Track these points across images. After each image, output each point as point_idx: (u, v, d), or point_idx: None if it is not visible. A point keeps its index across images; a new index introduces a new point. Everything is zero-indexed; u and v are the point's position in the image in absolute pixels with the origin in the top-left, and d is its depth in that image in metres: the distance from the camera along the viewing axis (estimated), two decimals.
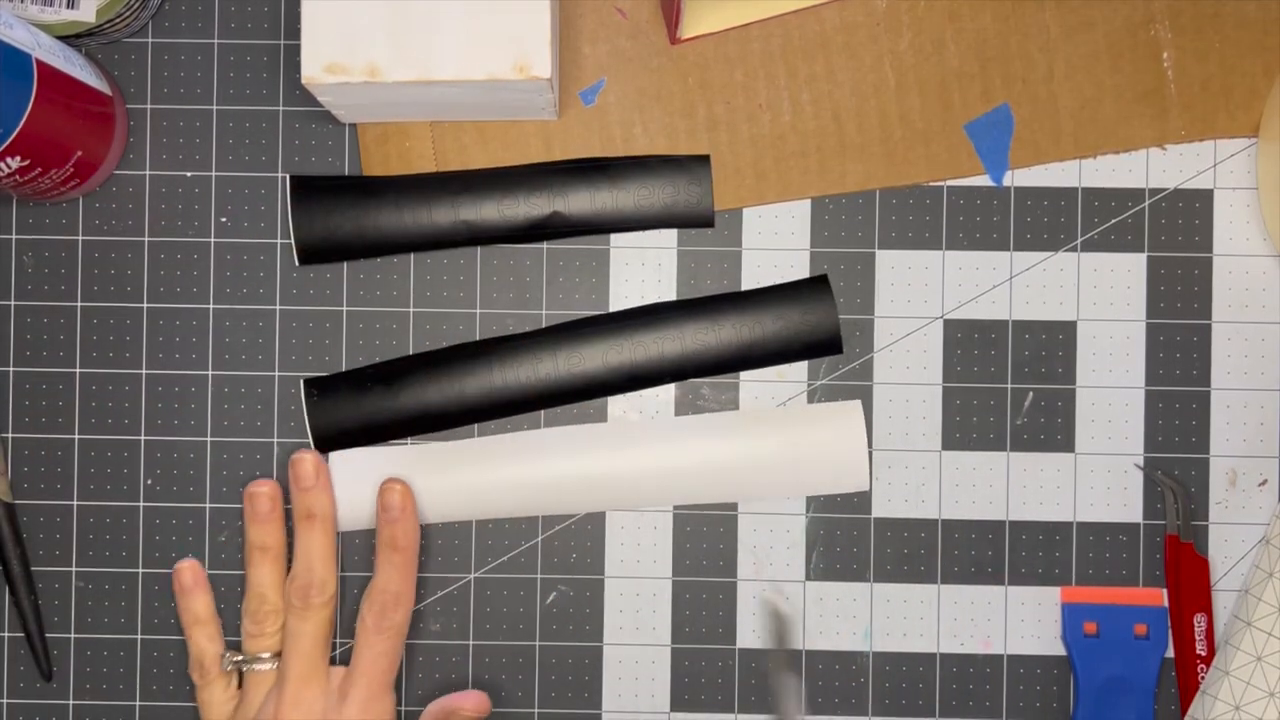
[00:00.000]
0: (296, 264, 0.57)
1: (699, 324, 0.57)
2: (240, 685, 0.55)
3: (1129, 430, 0.57)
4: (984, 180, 0.57)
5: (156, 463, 0.57)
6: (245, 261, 0.57)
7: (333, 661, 0.56)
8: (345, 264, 0.57)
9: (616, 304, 0.57)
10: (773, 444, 0.56)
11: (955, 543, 0.57)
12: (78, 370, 0.57)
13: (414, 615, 0.57)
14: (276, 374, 0.57)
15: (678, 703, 0.57)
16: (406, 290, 0.57)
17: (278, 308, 0.57)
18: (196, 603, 0.56)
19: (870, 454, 0.57)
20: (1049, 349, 0.57)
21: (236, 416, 0.57)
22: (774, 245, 0.57)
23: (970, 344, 0.57)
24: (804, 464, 0.56)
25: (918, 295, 0.57)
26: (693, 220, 0.57)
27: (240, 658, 0.55)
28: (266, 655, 0.54)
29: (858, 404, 0.57)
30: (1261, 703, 0.55)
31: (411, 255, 0.57)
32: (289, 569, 0.55)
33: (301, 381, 0.57)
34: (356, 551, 0.57)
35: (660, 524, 0.57)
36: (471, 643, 0.57)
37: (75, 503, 0.57)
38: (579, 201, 0.56)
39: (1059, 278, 0.57)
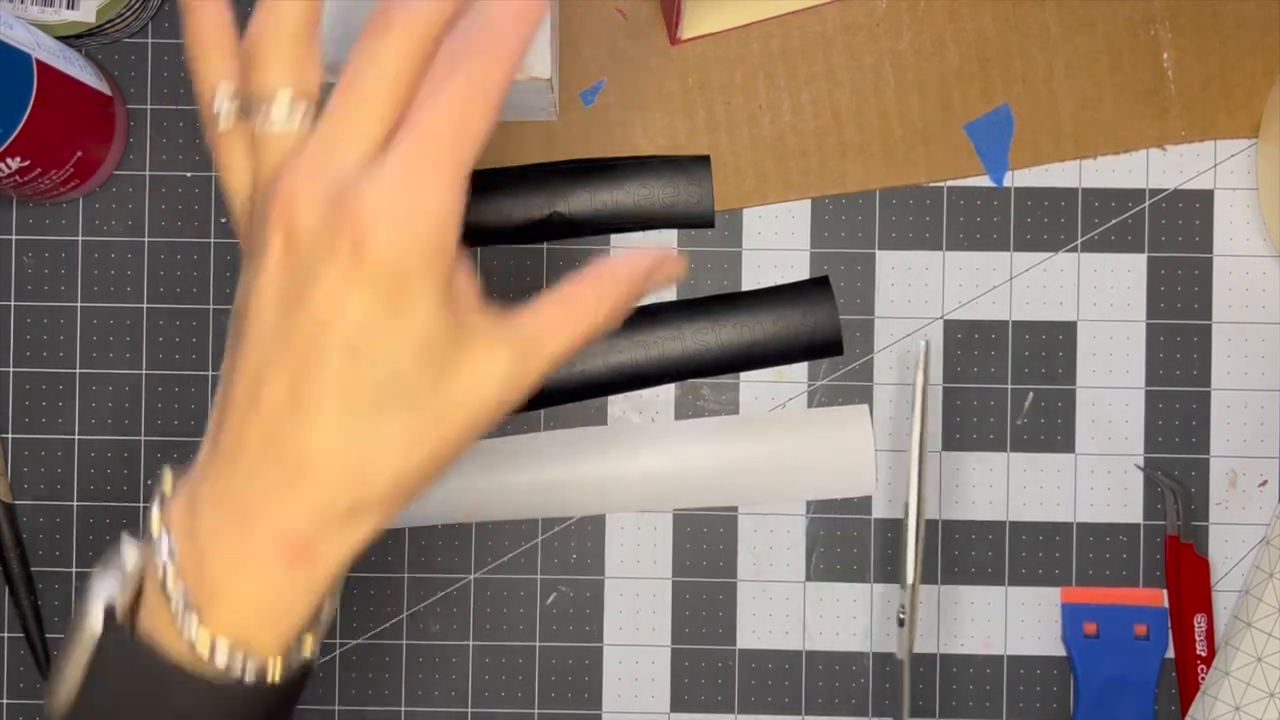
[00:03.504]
0: None
1: (699, 324, 0.57)
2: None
3: (1129, 431, 0.57)
4: (984, 180, 0.57)
5: (157, 463, 0.57)
6: None
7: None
8: None
9: None
10: (778, 448, 0.56)
11: (955, 543, 0.57)
12: (77, 370, 0.57)
13: (412, 617, 0.57)
14: None
15: (678, 703, 0.57)
16: None
17: None
18: (202, 18, 0.36)
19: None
20: (1049, 349, 0.57)
21: None
22: (774, 245, 0.57)
23: (970, 345, 0.57)
24: (810, 469, 0.56)
25: (918, 296, 0.57)
26: (693, 220, 0.57)
27: (234, 98, 0.36)
28: (284, 95, 0.35)
29: (864, 408, 0.57)
30: (1261, 703, 0.55)
31: None
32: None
33: None
34: None
35: (660, 525, 0.57)
36: (471, 643, 0.57)
37: (75, 503, 0.57)
38: (579, 201, 0.56)
39: (1059, 278, 0.57)
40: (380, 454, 0.33)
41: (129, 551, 0.34)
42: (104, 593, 0.33)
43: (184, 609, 0.32)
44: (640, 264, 0.36)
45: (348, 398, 0.32)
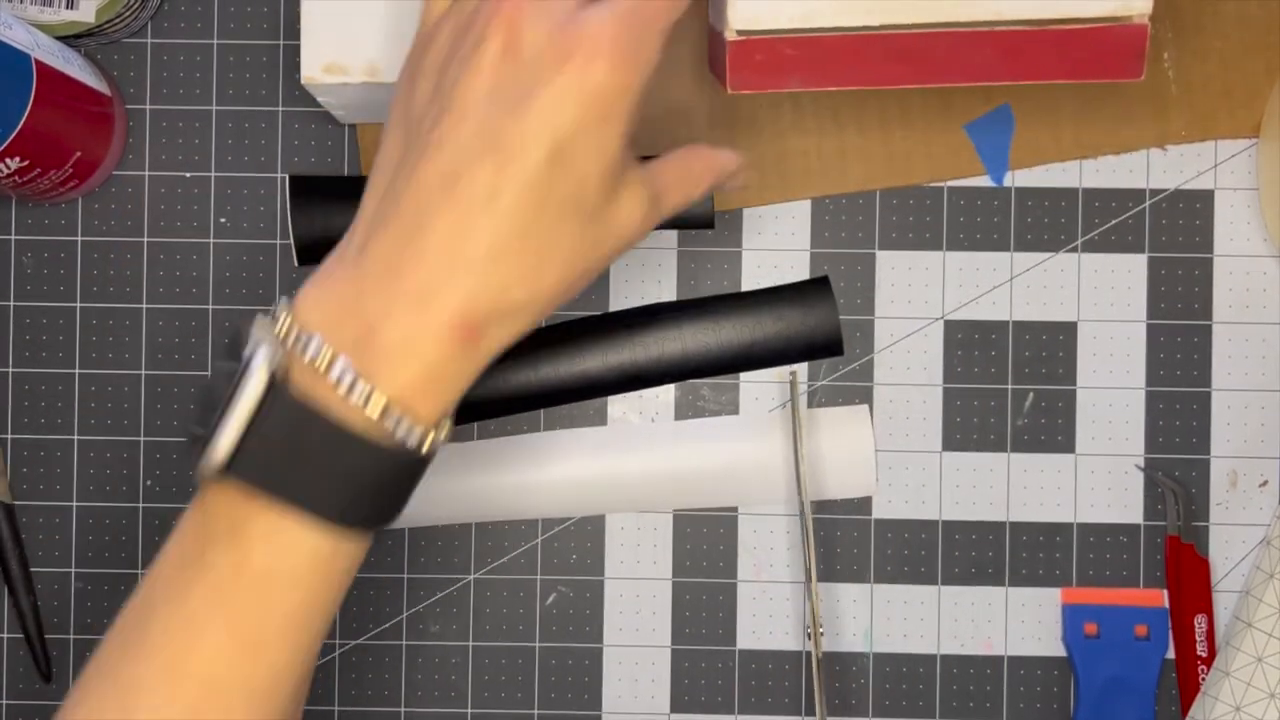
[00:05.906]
0: (296, 265, 0.57)
1: (699, 324, 0.57)
2: None
3: (1129, 431, 0.57)
4: (984, 180, 0.57)
5: (156, 464, 0.57)
6: (244, 262, 0.57)
7: None
8: None
9: (616, 304, 0.57)
10: (779, 449, 0.56)
11: (956, 544, 0.57)
12: (77, 371, 0.57)
13: (412, 618, 0.57)
14: None
15: (678, 704, 0.57)
16: None
17: None
18: None
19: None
20: (1049, 350, 0.57)
21: None
22: (774, 245, 0.57)
23: (971, 345, 0.57)
24: (810, 470, 0.56)
25: (918, 296, 0.57)
26: (693, 220, 0.57)
27: None
28: None
29: (864, 409, 0.57)
30: (1262, 704, 0.55)
31: None
32: None
33: None
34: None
35: (660, 525, 0.57)
36: (471, 644, 0.57)
37: (75, 504, 0.57)
38: None
39: (1059, 278, 0.57)
40: (552, 257, 0.37)
41: (267, 326, 0.37)
42: (265, 356, 0.35)
43: (355, 379, 0.35)
44: (729, 160, 0.43)
45: (541, 199, 0.36)
